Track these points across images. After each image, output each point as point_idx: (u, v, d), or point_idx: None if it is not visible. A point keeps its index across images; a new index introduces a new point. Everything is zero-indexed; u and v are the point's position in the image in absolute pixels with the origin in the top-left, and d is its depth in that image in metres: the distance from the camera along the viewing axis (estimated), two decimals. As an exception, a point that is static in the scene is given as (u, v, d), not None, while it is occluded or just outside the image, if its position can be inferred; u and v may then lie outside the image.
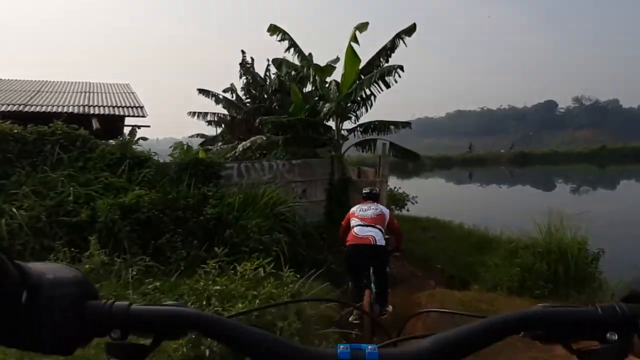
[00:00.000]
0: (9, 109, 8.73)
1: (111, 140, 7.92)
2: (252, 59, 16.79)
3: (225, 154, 12.37)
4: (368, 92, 9.73)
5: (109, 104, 9.47)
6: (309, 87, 12.22)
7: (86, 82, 12.91)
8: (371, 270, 4.99)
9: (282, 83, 13.68)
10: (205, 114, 17.37)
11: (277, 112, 12.97)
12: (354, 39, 9.85)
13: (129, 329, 0.49)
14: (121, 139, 7.13)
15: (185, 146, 8.41)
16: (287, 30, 10.38)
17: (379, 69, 9.40)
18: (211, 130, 19.07)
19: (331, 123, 10.67)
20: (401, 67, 8.94)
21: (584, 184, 31.30)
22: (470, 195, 27.79)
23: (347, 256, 5.14)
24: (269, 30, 10.31)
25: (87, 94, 10.61)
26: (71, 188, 5.79)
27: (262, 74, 16.66)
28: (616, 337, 0.49)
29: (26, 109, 8.74)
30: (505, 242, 9.49)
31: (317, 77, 10.42)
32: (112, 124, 9.54)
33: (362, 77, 9.83)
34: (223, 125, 17.92)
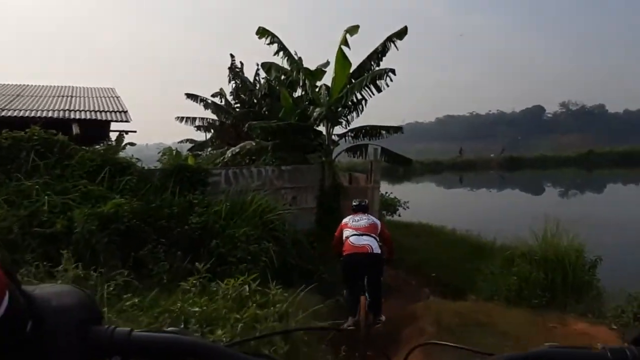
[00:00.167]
0: (-15, 113, 8.37)
1: (98, 147, 7.62)
2: (242, 63, 16.56)
3: (214, 160, 12.08)
4: (359, 96, 9.56)
5: (92, 109, 9.13)
6: (299, 92, 12.02)
7: (68, 86, 12.51)
8: (365, 280, 5.05)
9: (272, 87, 13.45)
10: (194, 119, 17.04)
11: (267, 117, 12.71)
12: (345, 42, 9.67)
13: (129, 355, 0.49)
14: (102, 144, 6.80)
15: (174, 152, 8.13)
16: (276, 34, 10.15)
17: (370, 73, 9.22)
18: (201, 136, 18.75)
19: (322, 128, 10.45)
20: (392, 71, 8.77)
21: (572, 187, 31.54)
22: (461, 200, 27.86)
23: (344, 265, 5.19)
24: (257, 32, 10.08)
25: (69, 98, 10.24)
26: (46, 197, 5.46)
27: (251, 79, 16.46)
28: None
29: (2, 114, 8.37)
30: (499, 249, 9.36)
31: (307, 81, 10.21)
32: (96, 129, 9.21)
33: (353, 80, 9.64)
34: (212, 131, 17.62)
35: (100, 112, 8.95)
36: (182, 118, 16.70)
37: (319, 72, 11.80)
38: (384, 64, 9.78)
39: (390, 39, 9.65)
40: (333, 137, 10.44)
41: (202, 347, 0.50)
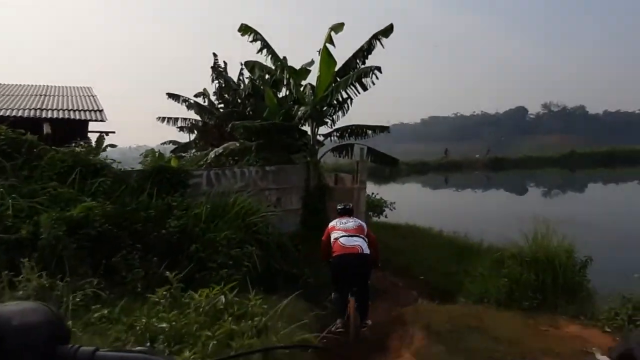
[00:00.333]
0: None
1: (70, 147, 7.23)
2: (225, 63, 16.26)
3: (198, 162, 11.74)
4: (344, 95, 9.35)
5: (66, 108, 8.72)
6: (284, 92, 11.77)
7: (43, 85, 11.99)
8: (354, 281, 5.10)
9: (256, 87, 13.17)
10: (176, 119, 16.62)
11: (251, 117, 12.43)
12: (330, 40, 9.46)
13: None
14: (74, 144, 6.44)
15: (157, 153, 7.81)
16: (259, 31, 9.88)
17: (356, 71, 9.01)
18: (184, 137, 18.32)
19: (307, 128, 10.22)
20: (378, 69, 8.58)
21: (555, 187, 31.96)
22: (447, 200, 27.97)
23: (334, 266, 5.17)
24: (240, 30, 9.80)
25: (41, 97, 9.78)
26: (10, 200, 5.09)
27: (235, 78, 16.15)
28: None
29: (-33, 113, 7.93)
30: (486, 251, 9.24)
31: (291, 80, 9.96)
32: (72, 129, 8.79)
33: (338, 79, 9.43)
34: (195, 132, 17.22)
35: (74, 111, 8.55)
36: (164, 118, 16.26)
37: (304, 71, 11.57)
38: (370, 62, 9.61)
39: (376, 37, 9.47)
40: (318, 137, 10.22)
41: None
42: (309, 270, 7.26)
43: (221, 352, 2.08)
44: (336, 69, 9.73)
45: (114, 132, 12.31)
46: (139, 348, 0.51)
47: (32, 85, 11.94)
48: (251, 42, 9.84)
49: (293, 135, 10.11)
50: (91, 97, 10.31)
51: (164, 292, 2.77)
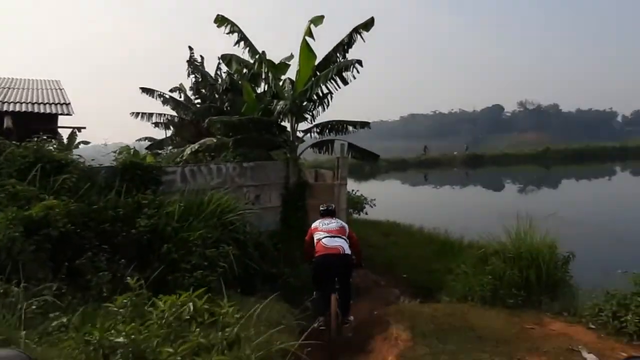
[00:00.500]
0: None
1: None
2: (202, 57, 15.80)
3: (174, 159, 11.33)
4: (325, 89, 9.11)
5: (30, 101, 8.20)
6: (262, 87, 11.46)
7: (7, 78, 11.33)
8: (336, 280, 5.22)
9: (234, 82, 12.81)
10: (150, 114, 16.04)
11: (229, 112, 12.09)
12: (309, 33, 9.20)
13: None
14: (37, 139, 6.00)
15: (132, 150, 7.43)
16: (236, 23, 9.54)
17: (336, 65, 8.78)
18: (161, 134, 17.74)
19: (286, 124, 9.94)
20: (359, 62, 8.37)
21: (530, 184, 32.59)
22: (426, 197, 28.15)
23: (316, 266, 5.31)
24: (216, 21, 9.44)
25: (4, 90, 9.18)
26: (-39, 199, 4.68)
27: (212, 73, 15.73)
28: None
29: None
30: (467, 247, 9.18)
31: (270, 74, 9.66)
32: (39, 124, 8.30)
33: (318, 73, 9.18)
34: (172, 128, 16.69)
35: (38, 104, 8.04)
36: (138, 114, 15.67)
37: (283, 66, 11.29)
38: (350, 57, 9.38)
39: (356, 30, 9.26)
40: (298, 133, 9.96)
41: None
42: (289, 269, 7.04)
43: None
44: (316, 63, 9.49)
45: (84, 128, 11.78)
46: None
47: (-7, 78, 11.28)
48: (228, 34, 9.49)
49: (272, 131, 9.83)
50: (58, 90, 9.77)
51: (125, 300, 2.47)
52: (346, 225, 5.75)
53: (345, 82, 8.79)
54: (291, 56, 11.68)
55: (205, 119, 10.55)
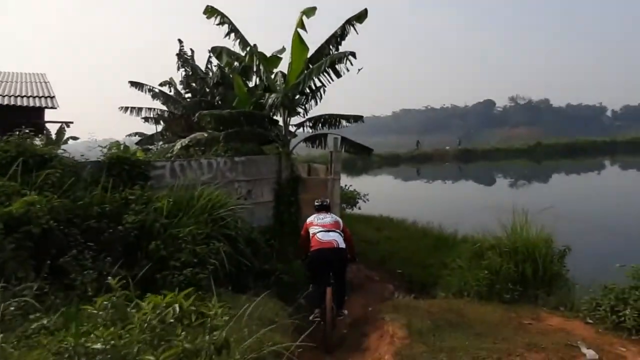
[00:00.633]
0: None
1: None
2: (192, 50, 15.53)
3: (165, 154, 11.11)
4: (317, 82, 8.94)
5: (13, 94, 7.93)
6: (254, 81, 11.27)
7: (-10, 71, 11.02)
8: (331, 274, 5.32)
9: (225, 75, 12.59)
10: (140, 109, 15.76)
11: (220, 106, 11.88)
12: (301, 24, 9.02)
13: None
14: (18, 132, 5.77)
15: (121, 146, 7.22)
16: (226, 14, 9.31)
17: (329, 57, 8.61)
18: (151, 129, 17.46)
19: (278, 118, 9.77)
20: (353, 54, 8.20)
21: (521, 178, 32.77)
22: (418, 192, 28.21)
23: (311, 261, 5.40)
24: (205, 12, 9.20)
25: (-14, 83, 8.90)
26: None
27: (203, 67, 15.47)
28: None
29: None
30: (461, 242, 9.11)
31: (261, 67, 9.46)
32: (24, 118, 8.04)
33: (311, 66, 9.01)
34: (162, 122, 16.41)
35: (22, 97, 7.77)
36: (127, 108, 15.38)
37: (275, 59, 11.09)
38: (343, 49, 9.21)
39: (349, 22, 9.09)
40: (290, 127, 9.79)
41: None
42: (282, 266, 6.89)
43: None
44: (308, 55, 9.31)
45: (72, 122, 11.49)
46: None
47: (-25, 71, 10.93)
48: (218, 25, 9.26)
49: (264, 124, 9.64)
50: (43, 84, 9.47)
51: (106, 302, 2.30)
52: (340, 220, 5.85)
53: (338, 75, 8.63)
54: (283, 49, 11.49)
55: (195, 113, 10.34)
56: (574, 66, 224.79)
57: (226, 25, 9.26)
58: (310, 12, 9.10)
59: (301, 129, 10.02)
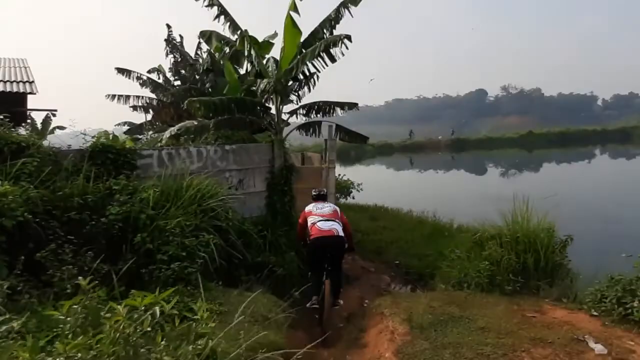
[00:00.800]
0: None
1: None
2: (181, 37, 15.07)
3: (155, 144, 10.75)
4: (311, 68, 8.57)
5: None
6: (245, 68, 10.89)
7: (-34, 55, 10.50)
8: (329, 262, 5.39)
9: (215, 62, 12.18)
10: (128, 97, 15.28)
11: (210, 94, 11.52)
12: (294, 7, 8.64)
13: None
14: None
15: (110, 135, 6.90)
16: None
17: (323, 40, 8.26)
18: (140, 117, 16.99)
19: (271, 105, 9.43)
20: (348, 37, 7.85)
21: (512, 167, 32.84)
22: (411, 181, 28.14)
23: (311, 248, 5.49)
24: (193, -8, 8.79)
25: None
26: None
27: (192, 53, 15.03)
28: None
29: None
30: (458, 231, 8.94)
31: (253, 52, 9.09)
32: (4, 106, 7.64)
33: (304, 50, 8.66)
34: (151, 111, 15.96)
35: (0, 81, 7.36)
36: (114, 96, 14.89)
37: (267, 45, 10.68)
38: (337, 33, 8.87)
39: (344, 5, 8.74)
40: (283, 114, 9.47)
41: None
42: (276, 258, 6.65)
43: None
44: (302, 39, 8.96)
45: (56, 110, 11.08)
46: None
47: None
48: (207, 7, 8.86)
49: (256, 112, 9.30)
50: (23, 69, 9.03)
51: (75, 305, 2.00)
52: (338, 209, 5.90)
53: (333, 60, 8.29)
54: (275, 34, 11.08)
55: (185, 101, 9.98)
56: (566, 56, 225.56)
57: (215, 8, 8.87)
58: (303, -6, 8.72)
59: (294, 117, 9.72)
